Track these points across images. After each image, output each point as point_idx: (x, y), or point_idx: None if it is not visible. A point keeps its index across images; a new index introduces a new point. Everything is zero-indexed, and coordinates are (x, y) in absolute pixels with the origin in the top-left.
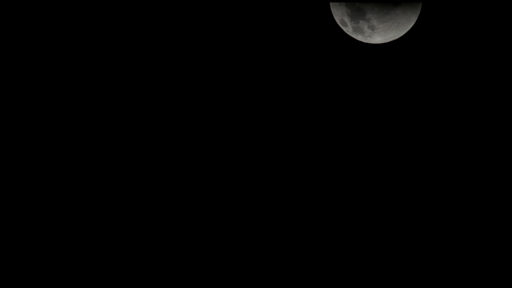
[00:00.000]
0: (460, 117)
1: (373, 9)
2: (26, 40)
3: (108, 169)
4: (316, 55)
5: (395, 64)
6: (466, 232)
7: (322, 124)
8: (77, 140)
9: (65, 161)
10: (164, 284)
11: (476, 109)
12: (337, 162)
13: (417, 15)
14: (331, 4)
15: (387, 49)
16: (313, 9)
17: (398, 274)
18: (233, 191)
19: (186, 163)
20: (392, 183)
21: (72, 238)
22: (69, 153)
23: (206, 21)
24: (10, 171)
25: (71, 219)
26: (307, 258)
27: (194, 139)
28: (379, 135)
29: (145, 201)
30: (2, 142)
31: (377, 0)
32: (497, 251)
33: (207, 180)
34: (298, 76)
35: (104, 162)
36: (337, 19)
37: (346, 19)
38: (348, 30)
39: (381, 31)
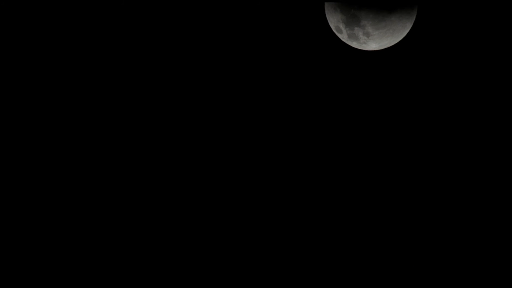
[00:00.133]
0: (455, 124)
1: (368, 16)
2: (26, 40)
3: (108, 169)
4: (311, 62)
5: (390, 71)
6: (466, 232)
7: (318, 130)
8: (77, 140)
9: (65, 161)
10: (164, 284)
11: (470, 116)
12: (332, 168)
13: (412, 22)
14: (326, 11)
15: (382, 56)
16: (308, 16)
17: (398, 274)
18: (226, 191)
19: (179, 162)
20: (384, 190)
21: (72, 237)
22: (68, 153)
23: (202, 24)
24: (10, 171)
25: (71, 219)
26: (307, 258)
27: (190, 137)
28: (375, 141)
29: (144, 200)
30: (2, 142)
31: (371, 3)
32: (497, 251)
33: (201, 179)
34: (293, 83)
35: (104, 162)
36: (332, 26)
37: (341, 26)
38: (343, 37)
39: (376, 38)
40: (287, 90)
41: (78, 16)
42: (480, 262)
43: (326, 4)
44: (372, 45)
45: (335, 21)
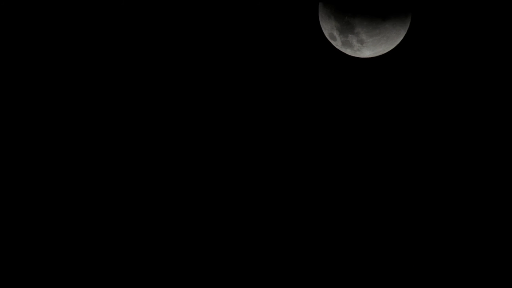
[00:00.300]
0: (448, 130)
1: (362, 23)
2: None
3: (108, 169)
4: (305, 69)
5: (384, 78)
6: (466, 231)
7: (313, 137)
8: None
9: (65, 160)
10: (164, 284)
11: (464, 123)
12: (326, 175)
13: (406, 29)
14: (320, 18)
15: (376, 63)
16: (302, 23)
17: (398, 274)
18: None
19: (176, 161)
20: (378, 197)
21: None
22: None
23: (197, 29)
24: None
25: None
26: (306, 258)
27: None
28: (369, 148)
29: (144, 199)
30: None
31: (365, 10)
32: (497, 250)
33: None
34: (287, 90)
35: (104, 162)
36: (326, 33)
37: (335, 33)
38: (337, 44)
39: (370, 45)
40: (281, 96)
41: (78, 16)
42: (480, 262)
43: (320, 11)
44: (366, 52)
45: (329, 28)
